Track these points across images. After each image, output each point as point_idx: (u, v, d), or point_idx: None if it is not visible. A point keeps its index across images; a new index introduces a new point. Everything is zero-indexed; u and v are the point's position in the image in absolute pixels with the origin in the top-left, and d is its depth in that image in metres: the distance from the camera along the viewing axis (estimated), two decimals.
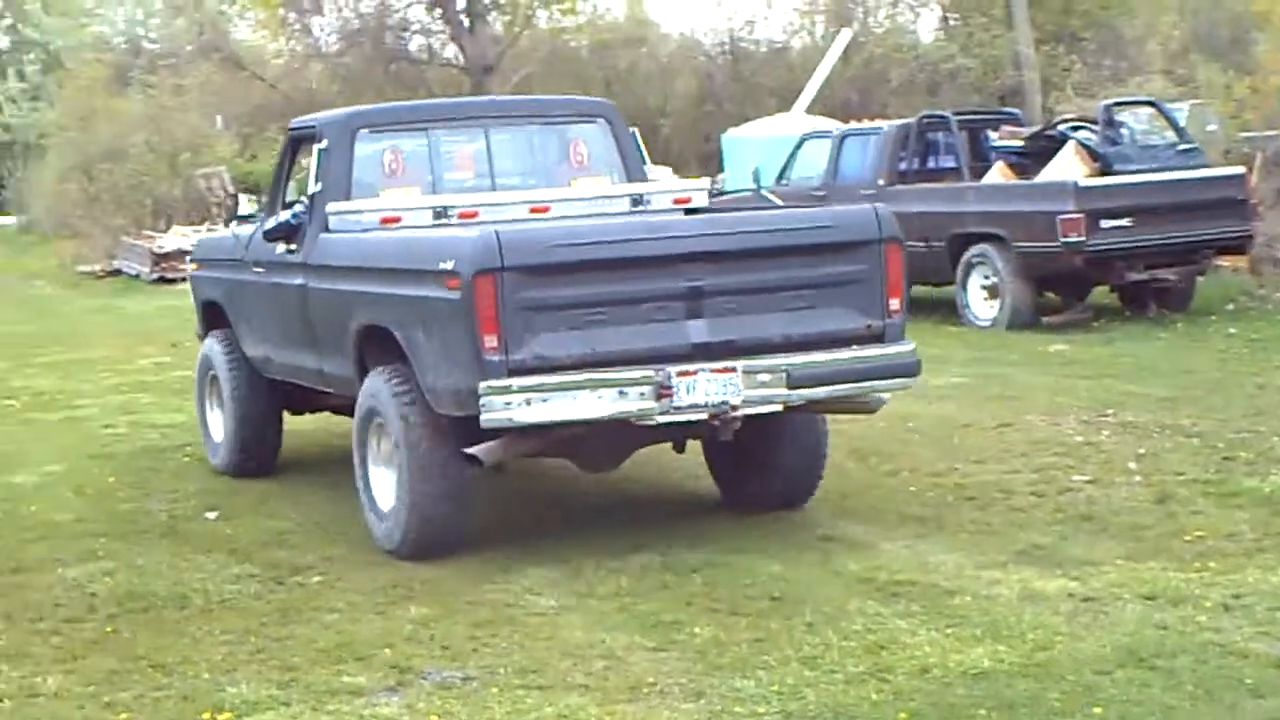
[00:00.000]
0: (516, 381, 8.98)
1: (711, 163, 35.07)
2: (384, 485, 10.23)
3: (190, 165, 39.16)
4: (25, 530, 11.42)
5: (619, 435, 9.79)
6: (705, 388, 9.21)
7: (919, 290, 21.71)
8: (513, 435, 9.46)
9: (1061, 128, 20.43)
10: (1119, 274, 18.81)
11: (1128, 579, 8.76)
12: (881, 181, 20.57)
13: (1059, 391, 14.74)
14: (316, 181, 11.18)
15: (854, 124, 23.78)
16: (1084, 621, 8.10)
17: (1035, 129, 21.00)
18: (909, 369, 9.96)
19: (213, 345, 13.23)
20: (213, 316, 13.43)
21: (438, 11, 43.46)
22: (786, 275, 9.65)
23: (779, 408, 9.49)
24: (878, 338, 9.86)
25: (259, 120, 42.12)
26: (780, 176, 22.36)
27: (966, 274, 19.38)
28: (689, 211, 11.37)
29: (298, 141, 12.13)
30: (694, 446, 11.06)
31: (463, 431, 9.55)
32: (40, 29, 62.81)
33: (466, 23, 42.42)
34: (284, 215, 11.47)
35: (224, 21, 49.40)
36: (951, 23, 41.01)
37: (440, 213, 10.81)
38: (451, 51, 44.55)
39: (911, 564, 9.28)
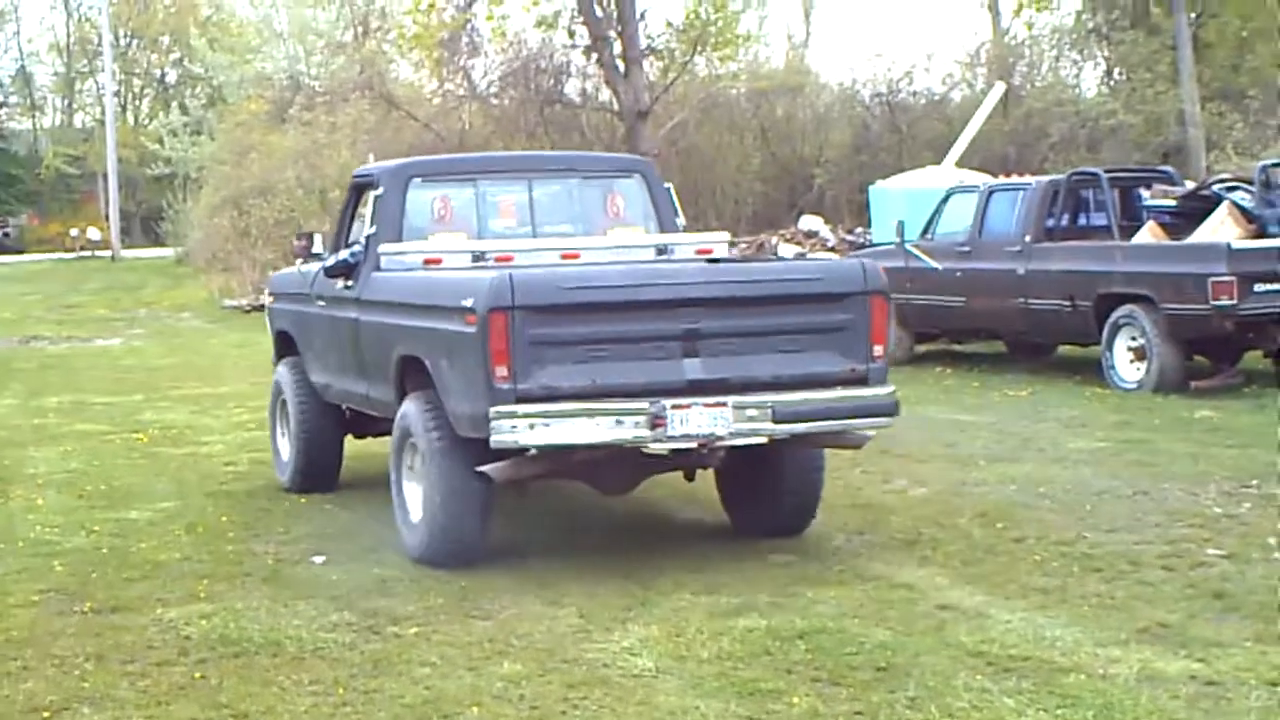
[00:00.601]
0: (523, 408, 10.03)
1: (865, 214, 34.68)
2: (414, 499, 11.27)
3: (339, 202, 39.16)
4: (130, 568, 11.27)
5: (625, 461, 10.75)
6: (697, 420, 10.18)
7: (1063, 350, 21.29)
8: (521, 457, 10.45)
9: (1216, 188, 19.84)
10: (1272, 339, 18.20)
11: (1256, 663, 8.28)
12: (1028, 238, 20.06)
13: (1202, 459, 14.19)
14: (372, 224, 12.33)
15: (1002, 179, 23.27)
16: (1204, 707, 7.66)
17: (1189, 188, 20.40)
18: (888, 409, 10.78)
19: (283, 372, 14.27)
20: (284, 345, 14.45)
21: (594, 55, 43.32)
22: (777, 321, 10.63)
23: (764, 440, 10.44)
24: (861, 380, 10.70)
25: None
26: (925, 230, 21.93)
27: (1113, 335, 18.79)
28: (711, 261, 12.14)
29: (360, 189, 13.16)
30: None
31: (479, 452, 10.42)
32: (205, 64, 63.48)
33: (622, 67, 42.25)
34: (343, 254, 12.61)
35: (382, 61, 49.64)
36: (1115, 78, 40.38)
37: (478, 256, 11.83)
38: (607, 95, 44.42)
39: (1027, 637, 8.86)
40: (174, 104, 70.43)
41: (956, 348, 22.77)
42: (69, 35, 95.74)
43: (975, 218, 21.03)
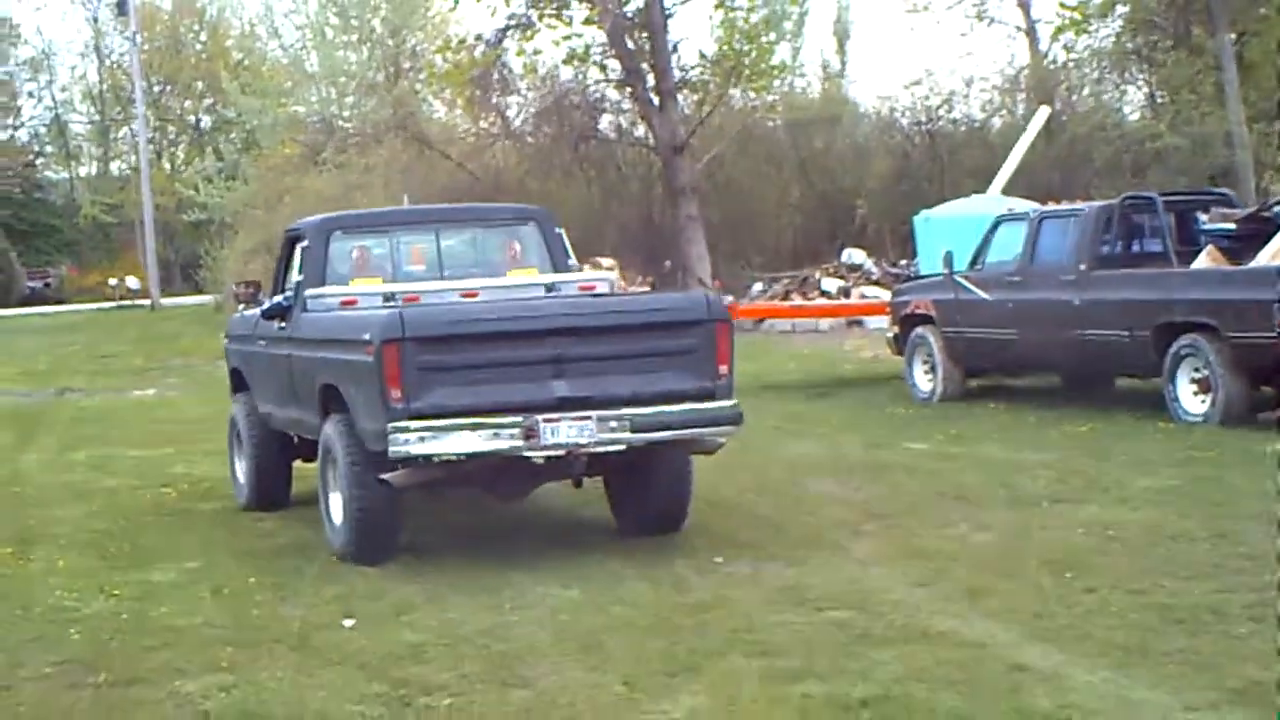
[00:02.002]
0: (415, 424, 11.70)
1: (909, 245, 34.04)
2: (336, 506, 12.91)
3: None
4: (150, 635, 10.69)
5: (511, 470, 12.37)
6: (565, 431, 11.86)
7: (1123, 383, 20.54)
8: (416, 466, 12.11)
9: (1277, 209, 19.13)
10: None
11: None
12: (1082, 266, 19.33)
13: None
14: (300, 272, 14.25)
15: (1052, 205, 22.57)
16: None
17: (1248, 211, 19.66)
18: (733, 419, 12.42)
19: (237, 405, 16.07)
20: (238, 381, 16.25)
21: (627, 89, 42.84)
22: (634, 346, 12.37)
23: (623, 447, 12.11)
24: (710, 395, 12.34)
25: (445, 199, 41.73)
26: (974, 261, 21.24)
27: (1175, 366, 18.01)
28: (596, 296, 13.93)
29: (292, 241, 14.96)
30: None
31: (383, 464, 12.14)
32: (238, 108, 63.18)
33: (656, 101, 41.73)
34: (278, 299, 14.47)
35: (415, 101, 49.27)
36: (1159, 100, 39.69)
37: (389, 297, 13.50)
38: (642, 130, 43.95)
39: (1110, 701, 8.18)
40: (208, 149, 70.19)
41: (1010, 382, 22.06)
42: (102, 83, 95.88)
43: (1026, 246, 20.31)
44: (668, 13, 42.17)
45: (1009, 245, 20.78)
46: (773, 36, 43.40)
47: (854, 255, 40.04)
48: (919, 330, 21.85)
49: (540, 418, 11.80)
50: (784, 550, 12.36)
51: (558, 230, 15.00)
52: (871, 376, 25.05)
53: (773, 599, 10.82)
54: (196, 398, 27.86)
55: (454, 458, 11.93)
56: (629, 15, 42.24)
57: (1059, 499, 13.86)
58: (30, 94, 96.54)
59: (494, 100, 44.89)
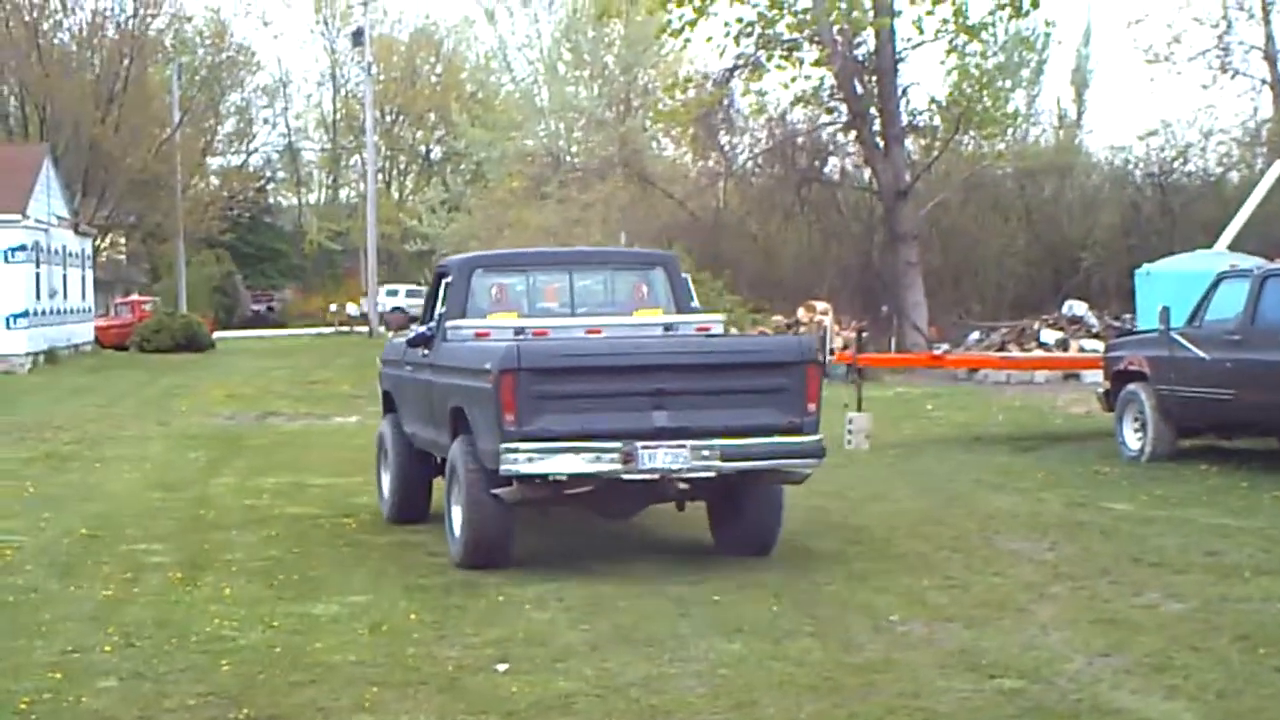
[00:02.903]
0: (524, 445, 12.90)
1: (1133, 299, 33.15)
2: (457, 518, 14.03)
3: None
4: (300, 670, 10.44)
5: (614, 491, 13.42)
6: (661, 458, 13.03)
7: None
8: (526, 483, 13.18)
9: None
10: None
11: None
12: None
13: None
14: (443, 305, 15.58)
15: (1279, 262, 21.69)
16: None
17: None
18: (816, 452, 13.52)
19: (386, 424, 17.27)
20: (388, 403, 17.53)
21: (853, 132, 42.38)
22: (729, 383, 13.49)
23: (713, 475, 13.29)
24: (797, 430, 13.39)
25: (664, 237, 41.55)
26: (1192, 318, 20.44)
27: None
28: (709, 336, 15.12)
29: (440, 276, 16.16)
30: None
31: (497, 480, 13.29)
32: (467, 140, 63.65)
33: (882, 145, 41.21)
34: (422, 329, 15.70)
35: (643, 138, 49.21)
36: None
37: (519, 331, 14.45)
38: (867, 173, 43.46)
39: None
40: (435, 180, 70.79)
41: (1223, 444, 21.19)
42: (335, 112, 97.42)
43: (1248, 304, 19.48)
44: (899, 56, 41.71)
45: (1230, 303, 19.97)
46: (1007, 84, 42.71)
47: (1075, 307, 39.12)
48: (1131, 387, 21.09)
49: (639, 444, 12.99)
50: (964, 611, 11.83)
51: (684, 275, 16.20)
52: (1081, 433, 24.31)
53: (945, 663, 10.30)
54: None
55: (559, 477, 13.07)
56: (859, 58, 41.83)
57: (1263, 570, 13.14)
58: (265, 120, 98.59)
59: (719, 140, 44.66)
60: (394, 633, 11.50)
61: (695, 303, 16.18)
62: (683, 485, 13.65)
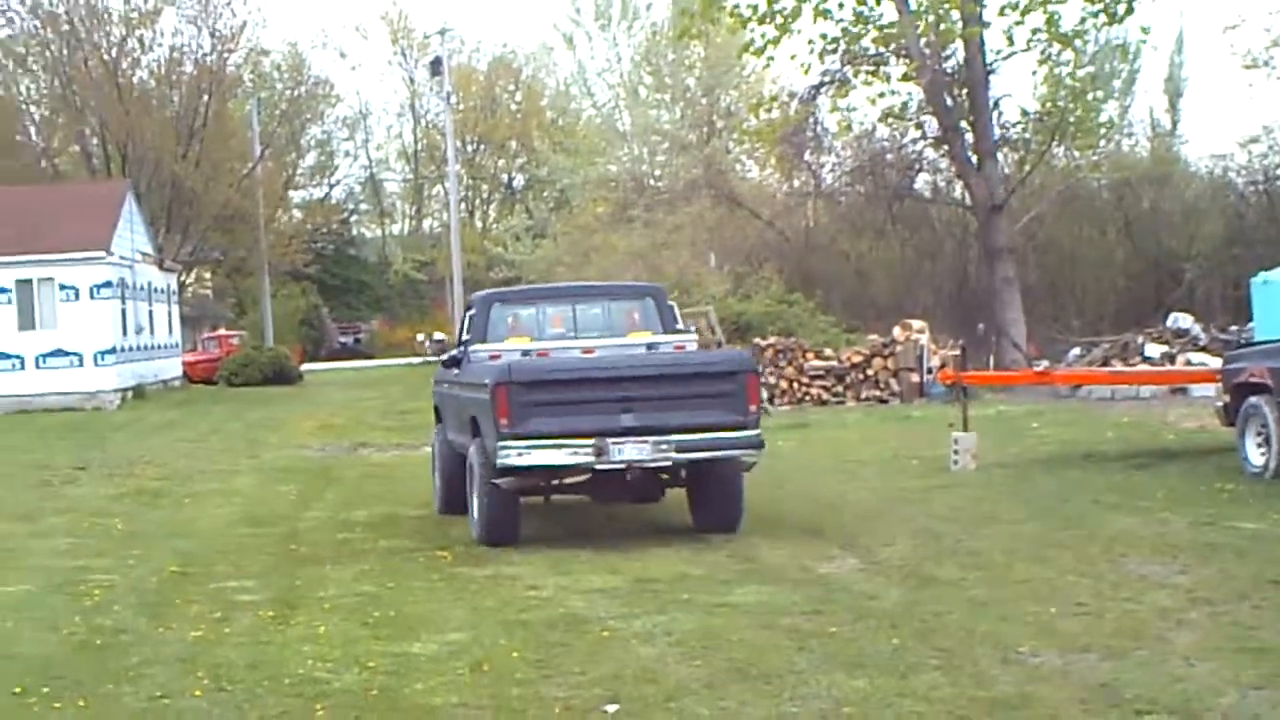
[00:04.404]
0: (515, 443, 15.92)
1: (1242, 310, 32.27)
2: (475, 505, 16.90)
3: (679, 304, 38.07)
4: (398, 714, 9.89)
5: (599, 480, 16.54)
6: (628, 451, 15.97)
7: None
8: (521, 474, 16.22)
9: None
10: None
11: None
12: None
13: None
14: (468, 332, 18.71)
15: None
16: None
17: None
18: (757, 444, 16.37)
19: (435, 433, 20.18)
20: (438, 415, 20.27)
21: (945, 148, 41.62)
22: (685, 389, 16.28)
23: (669, 463, 16.21)
24: (741, 426, 16.22)
25: (754, 258, 40.94)
26: None
27: None
28: (675, 352, 17.99)
29: (469, 308, 19.33)
30: None
31: (498, 472, 16.26)
32: (549, 167, 63.30)
33: (974, 159, 40.44)
34: (454, 352, 18.87)
35: (728, 159, 48.63)
36: None
37: (526, 352, 17.52)
38: (960, 189, 42.71)
39: None
40: (519, 207, 70.43)
41: None
42: (416, 142, 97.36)
43: None
44: (989, 68, 40.94)
45: None
46: (1100, 94, 41.90)
47: (1180, 320, 38.20)
48: (1253, 400, 20.23)
49: (610, 440, 15.93)
50: (1099, 640, 11.10)
51: (670, 303, 19.13)
52: (1196, 448, 23.48)
53: (1084, 698, 9.59)
54: None
55: (544, 468, 16.16)
56: (949, 71, 41.11)
57: None
58: (346, 153, 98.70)
59: (806, 158, 44.02)
60: (496, 672, 10.89)
61: (680, 324, 18.98)
62: (664, 475, 16.75)
